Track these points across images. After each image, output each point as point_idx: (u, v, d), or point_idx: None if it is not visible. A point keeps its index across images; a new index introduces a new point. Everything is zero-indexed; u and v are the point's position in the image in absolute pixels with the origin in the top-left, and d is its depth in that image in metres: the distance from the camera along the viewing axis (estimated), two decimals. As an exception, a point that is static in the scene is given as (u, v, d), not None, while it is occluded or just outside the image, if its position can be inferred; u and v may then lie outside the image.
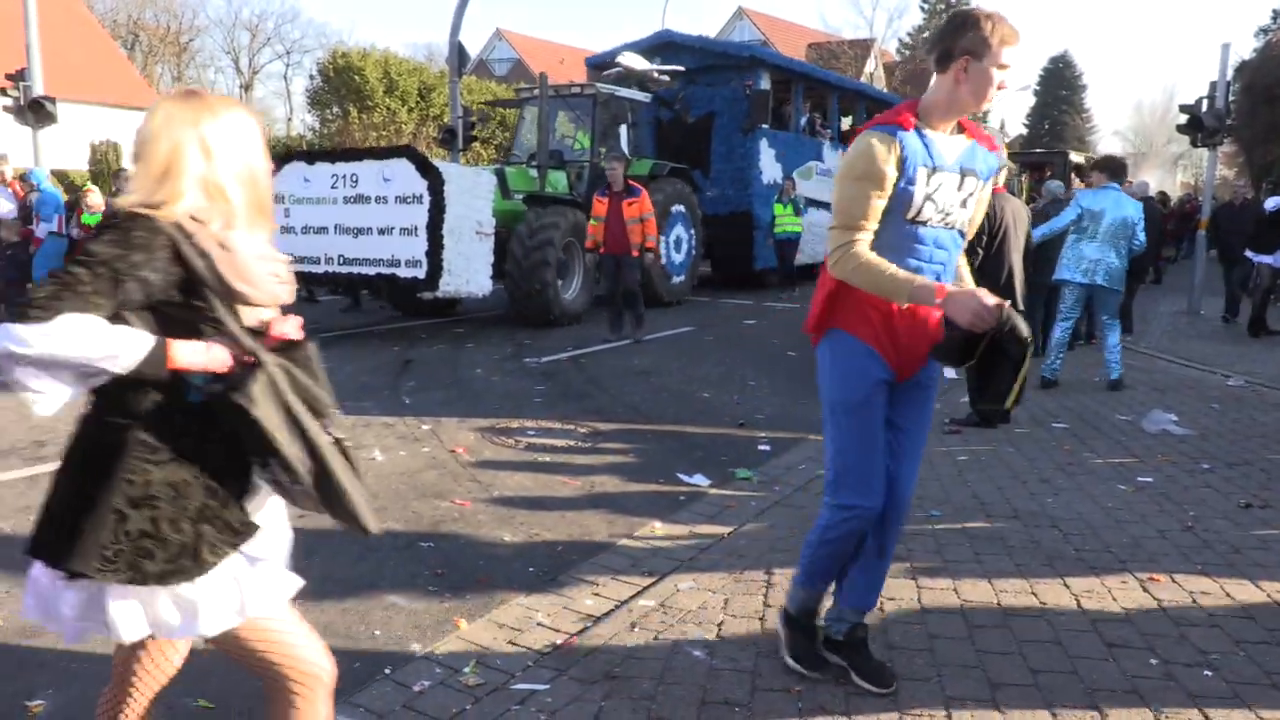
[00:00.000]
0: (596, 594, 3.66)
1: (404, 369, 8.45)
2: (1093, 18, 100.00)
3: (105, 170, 21.51)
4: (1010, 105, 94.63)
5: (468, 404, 7.09)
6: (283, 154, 11.11)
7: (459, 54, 17.75)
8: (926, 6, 59.78)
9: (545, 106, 11.85)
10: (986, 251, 6.27)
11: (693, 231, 13.74)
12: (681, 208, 13.28)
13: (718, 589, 3.66)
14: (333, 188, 10.12)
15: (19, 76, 14.80)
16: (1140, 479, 5.14)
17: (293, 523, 4.49)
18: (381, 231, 9.78)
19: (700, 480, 5.25)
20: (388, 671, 3.05)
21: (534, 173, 12.18)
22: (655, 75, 14.16)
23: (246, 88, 61.19)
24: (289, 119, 58.31)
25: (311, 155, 10.55)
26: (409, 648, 3.24)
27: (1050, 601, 3.49)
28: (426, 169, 9.52)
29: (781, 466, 5.55)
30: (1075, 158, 25.58)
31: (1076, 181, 21.45)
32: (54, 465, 5.09)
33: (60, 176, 16.66)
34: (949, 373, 8.13)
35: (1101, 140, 67.50)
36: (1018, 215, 6.53)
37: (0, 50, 27.12)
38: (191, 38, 58.76)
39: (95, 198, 11.65)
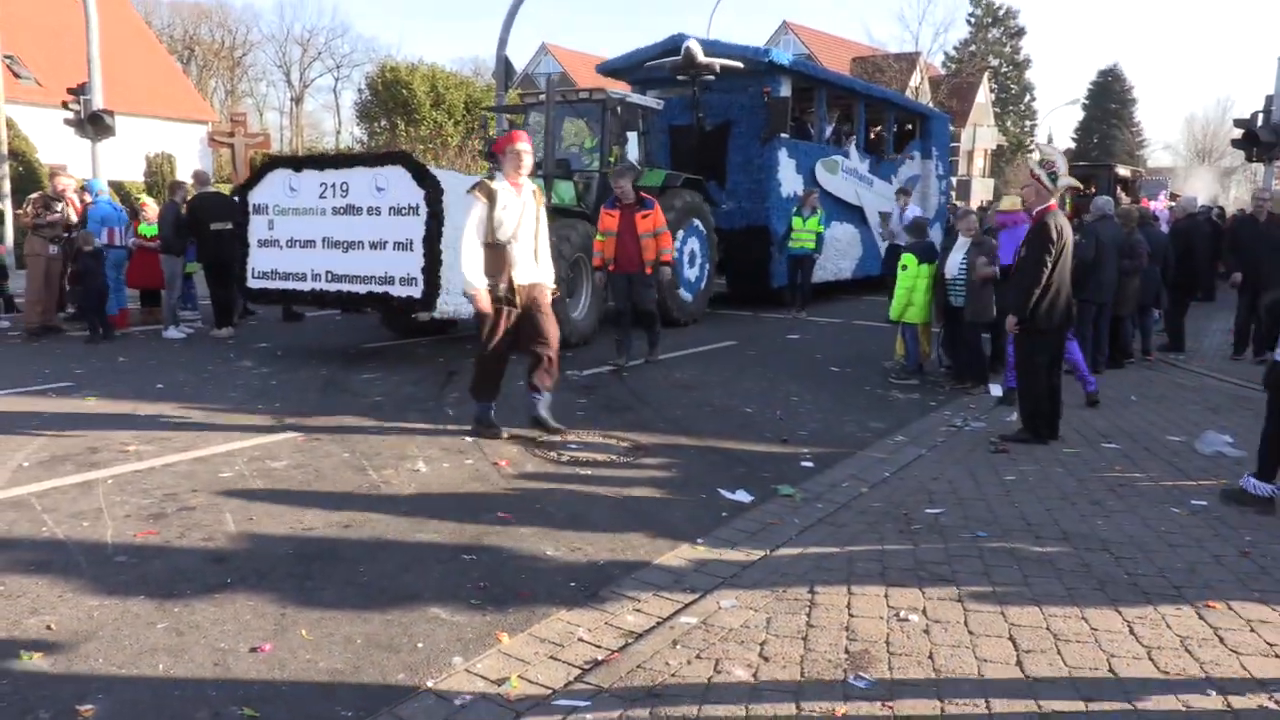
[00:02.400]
0: (638, 610, 3.64)
1: (448, 380, 8.51)
2: (1143, 30, 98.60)
3: (159, 182, 22.00)
4: (1058, 119, 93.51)
5: (510, 416, 7.11)
6: (266, 161, 10.39)
7: (505, 68, 17.96)
8: (973, 20, 59.41)
9: (551, 113, 11.04)
10: (1052, 270, 6.19)
11: (707, 246, 12.97)
12: (696, 221, 12.52)
13: (760, 607, 3.63)
14: (321, 197, 9.17)
15: (80, 91, 15.23)
16: (1194, 502, 5.01)
17: (339, 533, 4.56)
18: (374, 246, 8.84)
19: (742, 496, 5.21)
20: (430, 684, 3.06)
21: (539, 183, 11.71)
22: (717, 68, 13.10)
23: (297, 101, 62.42)
24: (338, 131, 59.34)
25: (298, 162, 9.63)
26: (451, 660, 3.25)
27: (1102, 627, 3.41)
28: (423, 177, 8.62)
29: (825, 483, 5.50)
30: (1122, 171, 24.96)
31: (1124, 197, 20.97)
32: (106, 472, 5.22)
33: (115, 187, 17.06)
34: (994, 389, 8.05)
35: (1152, 154, 66.44)
36: (1071, 235, 6.45)
37: (62, 64, 27.95)
38: (245, 52, 60.17)
39: (152, 210, 11.96)
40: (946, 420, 7.26)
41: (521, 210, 6.19)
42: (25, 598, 3.65)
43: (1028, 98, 63.88)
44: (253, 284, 9.62)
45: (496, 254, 6.15)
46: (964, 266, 8.21)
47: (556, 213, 10.41)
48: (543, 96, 11.63)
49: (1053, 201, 6.44)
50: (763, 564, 4.16)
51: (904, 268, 9.00)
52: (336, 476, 5.41)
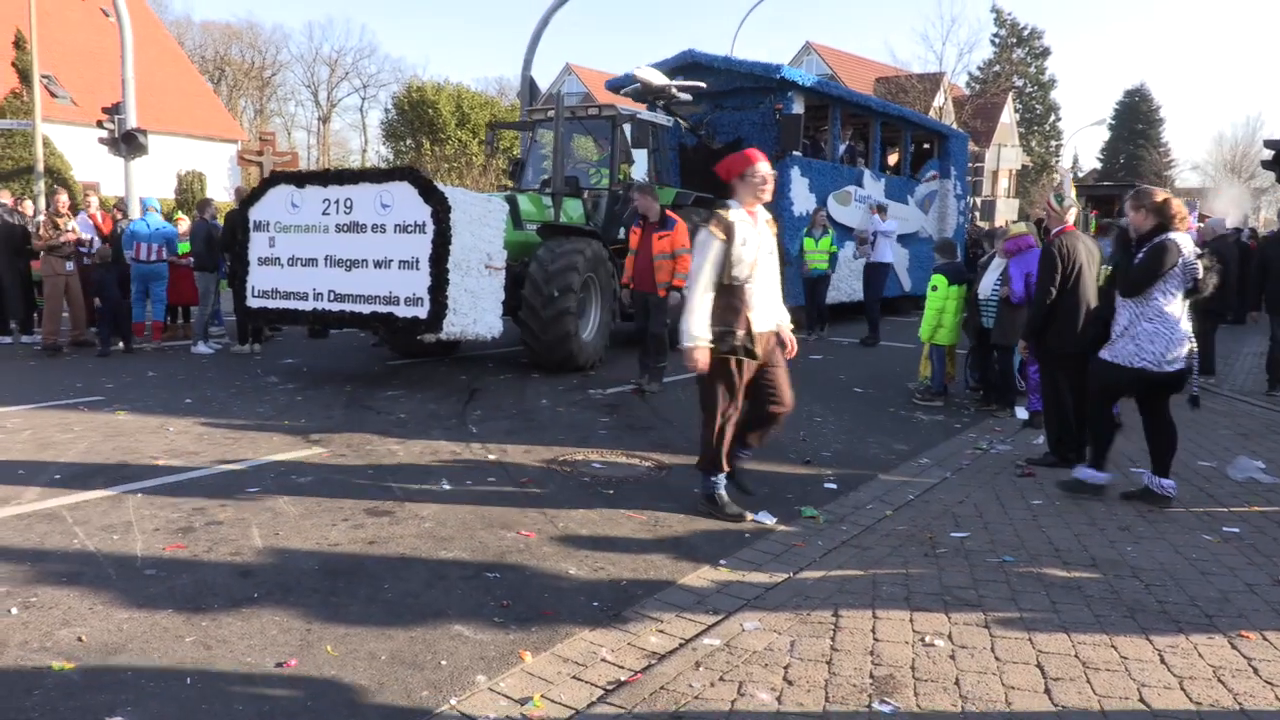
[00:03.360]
0: (661, 631, 3.64)
1: (471, 398, 8.55)
2: (1171, 50, 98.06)
3: (190, 199, 22.33)
4: (1083, 140, 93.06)
5: (534, 434, 7.14)
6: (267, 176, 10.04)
7: (530, 88, 18.10)
8: (997, 40, 59.29)
9: (560, 128, 10.87)
10: (1060, 290, 6.15)
11: None
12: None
13: (784, 630, 3.61)
14: (324, 214, 8.86)
15: (115, 110, 15.51)
16: (1226, 529, 4.94)
17: (363, 549, 4.58)
18: (378, 264, 8.52)
19: (765, 518, 5.19)
20: (454, 702, 3.06)
21: (547, 200, 11.15)
22: (674, 91, 12.90)
23: (324, 120, 63.25)
24: (364, 150, 60.08)
25: (301, 177, 9.29)
26: (474, 679, 3.25)
27: (1132, 655, 3.37)
28: (430, 193, 8.34)
29: (849, 506, 5.48)
30: None
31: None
32: (136, 485, 5.27)
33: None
34: (1020, 412, 7.99)
35: (1180, 175, 65.91)
36: (1091, 254, 6.40)
37: (97, 84, 28.48)
38: (274, 73, 61.17)
39: (185, 225, 12.15)
40: (972, 443, 7.21)
41: (759, 243, 5.11)
42: (57, 609, 3.69)
43: (1053, 118, 63.62)
44: (252, 303, 9.30)
45: (732, 297, 5.03)
46: (997, 287, 8.16)
47: (566, 231, 10.31)
48: (551, 113, 11.52)
49: (1068, 223, 6.42)
50: (786, 586, 4.14)
51: (934, 288, 8.97)
52: (361, 493, 5.44)
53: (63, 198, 11.57)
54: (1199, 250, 5.49)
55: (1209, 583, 4.12)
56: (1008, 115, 55.39)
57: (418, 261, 8.30)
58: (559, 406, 8.26)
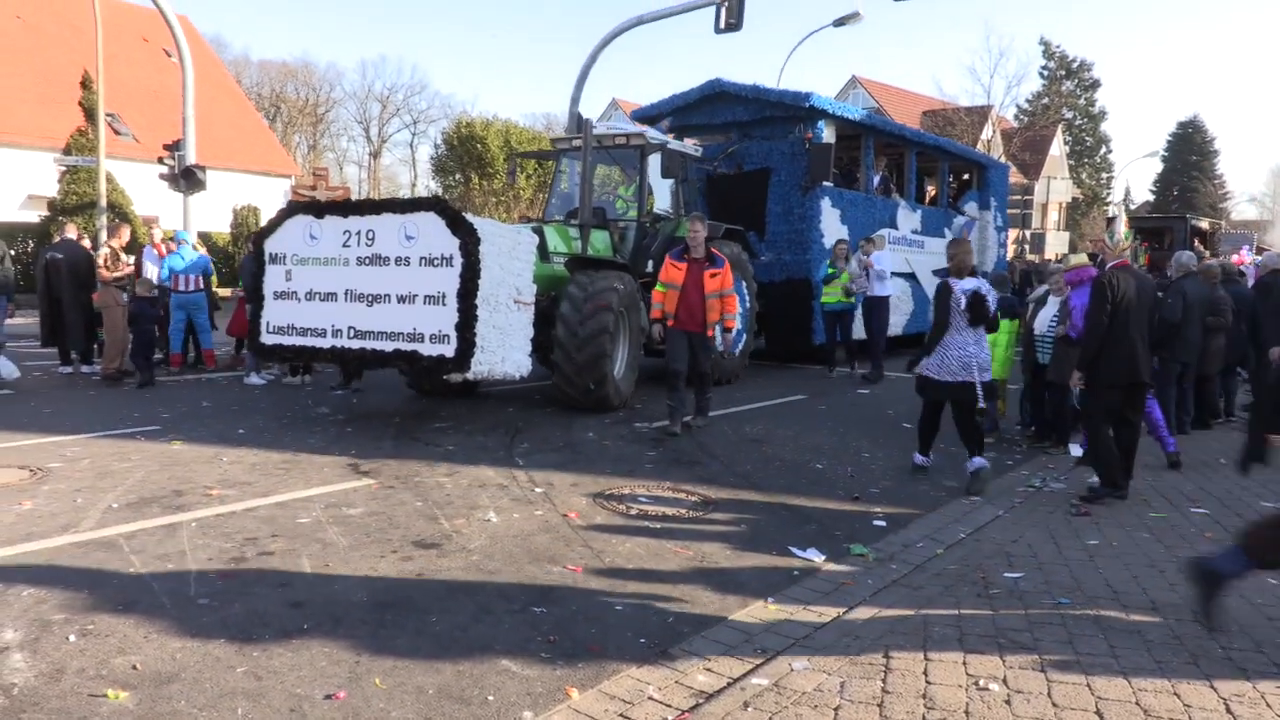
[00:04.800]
0: (708, 669, 3.60)
1: (518, 430, 8.59)
2: (1225, 80, 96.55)
3: (244, 233, 22.85)
4: (1136, 171, 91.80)
5: (580, 467, 7.15)
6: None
7: (577, 123, 18.30)
8: (1046, 73, 58.86)
9: (589, 158, 10.45)
10: (1110, 324, 6.11)
11: (748, 300, 12.20)
12: (737, 274, 11.11)
13: (833, 671, 3.56)
14: (345, 246, 8.37)
15: (175, 147, 15.97)
16: (1292, 573, 4.78)
17: (412, 581, 4.60)
18: (402, 299, 8.04)
19: (813, 555, 5.14)
20: (501, 738, 3.05)
21: (574, 232, 10.61)
22: (616, 140, 11.62)
23: (375, 155, 64.59)
24: (413, 184, 61.15)
25: (320, 207, 8.81)
26: (521, 715, 3.24)
27: (1195, 703, 3.26)
28: (458, 225, 7.86)
29: (898, 543, 5.39)
30: (1198, 224, 23.86)
31: (1204, 251, 20.09)
32: (191, 515, 5.36)
33: (204, 238, 17.79)
34: (1074, 449, 7.82)
35: (1236, 207, 64.70)
36: (1142, 290, 6.33)
37: (159, 121, 29.40)
38: (328, 109, 62.71)
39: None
40: (1024, 480, 7.08)
41: None
42: (113, 637, 3.75)
43: (1104, 150, 62.88)
44: (266, 339, 8.78)
45: None
46: (1054, 323, 8.01)
47: (595, 264, 9.90)
48: (575, 142, 11.25)
49: (1123, 258, 6.55)
50: (835, 625, 4.08)
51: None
52: (409, 525, 5.48)
53: (125, 231, 11.91)
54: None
55: (1276, 629, 3.98)
56: (1057, 147, 54.83)
57: (444, 296, 7.87)
58: (605, 439, 8.27)
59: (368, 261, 8.26)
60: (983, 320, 6.70)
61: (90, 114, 19.84)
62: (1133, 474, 6.59)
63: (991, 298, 6.80)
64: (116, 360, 11.17)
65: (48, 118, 27.45)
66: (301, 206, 8.84)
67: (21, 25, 30.89)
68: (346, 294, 8.34)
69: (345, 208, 8.66)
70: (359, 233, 8.32)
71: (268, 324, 8.78)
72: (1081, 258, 8.14)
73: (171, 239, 12.48)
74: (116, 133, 28.90)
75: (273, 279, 8.78)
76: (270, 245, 8.85)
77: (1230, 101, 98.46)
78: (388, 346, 8.09)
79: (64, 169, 20.28)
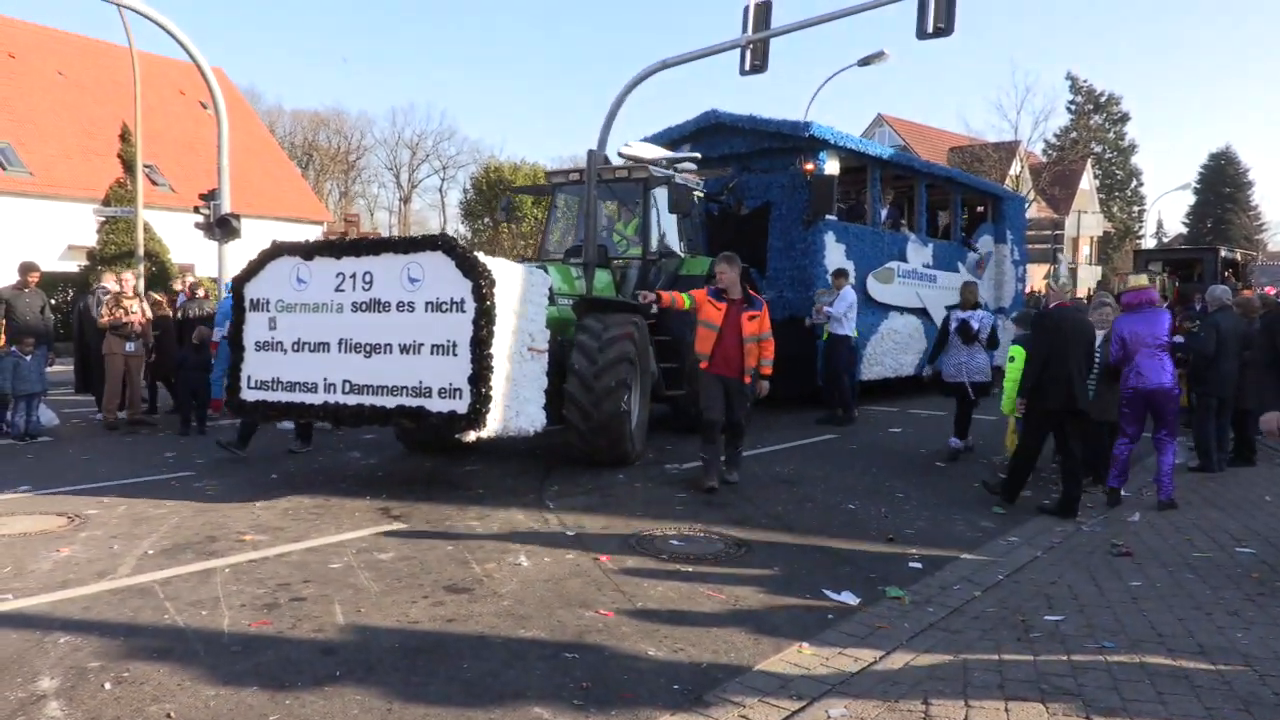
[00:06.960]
0: (744, 716, 3.54)
1: (548, 473, 8.58)
2: (1257, 110, 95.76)
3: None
4: (1168, 204, 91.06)
5: (611, 510, 7.12)
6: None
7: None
8: (1073, 107, 58.79)
9: (593, 193, 9.90)
10: (1049, 355, 7.12)
11: None
12: None
13: (872, 717, 3.48)
14: (338, 290, 7.45)
15: (210, 196, 16.30)
16: (1345, 614, 4.65)
17: (443, 627, 4.59)
18: (405, 349, 7.14)
19: (848, 598, 5.06)
20: (534, 789, 3.01)
21: (576, 271, 10.02)
22: (668, 163, 11.42)
23: (405, 200, 65.63)
24: (442, 228, 61.88)
25: (308, 248, 7.79)
26: (555, 764, 3.20)
27: (1249, 753, 3.16)
28: (469, 266, 7.00)
29: (935, 586, 5.31)
30: (1229, 255, 23.29)
31: (1236, 283, 19.55)
32: (224, 561, 5.37)
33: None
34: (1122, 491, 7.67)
35: (1273, 238, 63.90)
36: (1081, 327, 7.30)
37: (194, 171, 30.08)
38: (358, 156, 63.87)
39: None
40: (1062, 520, 6.95)
41: None
42: (148, 684, 3.76)
43: (1134, 183, 62.49)
44: (248, 395, 7.70)
45: None
46: (1098, 360, 7.87)
47: (603, 306, 9.37)
48: (573, 175, 10.89)
49: (1063, 300, 7.91)
50: (872, 671, 4.01)
51: (1012, 359, 8.75)
52: (440, 569, 5.48)
53: (127, 277, 11.90)
54: None
55: (1330, 673, 3.86)
56: (1087, 181, 54.58)
57: (455, 346, 6.97)
58: (634, 481, 8.24)
59: (365, 307, 7.38)
60: (970, 340, 9.63)
61: (129, 166, 20.33)
62: (1079, 500, 7.24)
63: (978, 323, 9.64)
64: (114, 410, 11.10)
65: (88, 170, 28.22)
66: (287, 247, 7.88)
67: (64, 81, 31.86)
68: (341, 344, 7.42)
69: (338, 248, 7.75)
70: (355, 275, 7.43)
71: (249, 378, 7.76)
72: (1142, 279, 8.03)
73: (191, 285, 12.65)
74: (154, 183, 29.58)
75: (254, 328, 7.80)
76: (250, 290, 7.87)
77: (1263, 131, 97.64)
78: (389, 402, 7.17)
79: (103, 219, 20.76)
